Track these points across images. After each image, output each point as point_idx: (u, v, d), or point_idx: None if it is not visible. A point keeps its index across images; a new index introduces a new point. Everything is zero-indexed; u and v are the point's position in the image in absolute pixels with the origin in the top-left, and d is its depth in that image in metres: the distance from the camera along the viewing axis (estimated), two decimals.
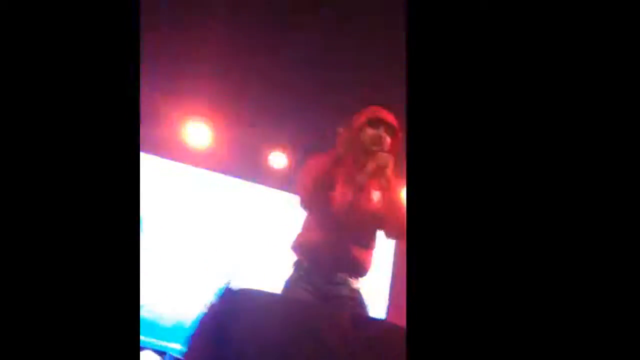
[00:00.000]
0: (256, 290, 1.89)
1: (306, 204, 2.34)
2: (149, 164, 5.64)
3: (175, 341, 4.55)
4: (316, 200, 2.30)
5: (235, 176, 5.87)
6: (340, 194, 2.35)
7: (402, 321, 1.27)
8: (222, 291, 1.73)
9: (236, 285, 1.81)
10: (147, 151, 5.61)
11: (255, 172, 5.78)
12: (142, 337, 4.01)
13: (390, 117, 2.42)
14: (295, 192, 2.50)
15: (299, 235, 2.40)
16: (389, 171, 2.26)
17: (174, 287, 4.97)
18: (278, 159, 5.74)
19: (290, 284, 2.33)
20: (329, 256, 2.32)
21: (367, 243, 2.40)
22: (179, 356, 4.14)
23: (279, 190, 5.79)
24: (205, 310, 1.72)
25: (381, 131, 2.37)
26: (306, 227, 2.40)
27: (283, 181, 5.64)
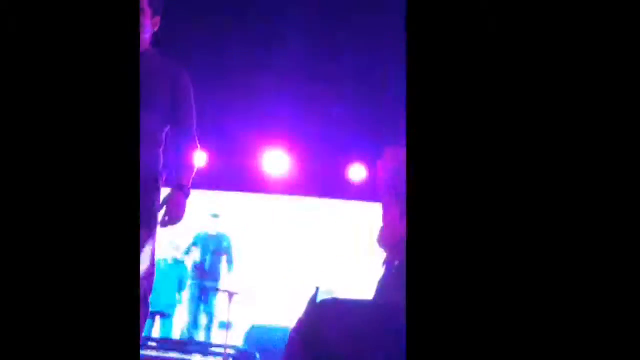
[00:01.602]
0: (344, 299, 1.96)
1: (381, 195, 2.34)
2: (237, 200, 5.90)
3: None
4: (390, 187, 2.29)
5: (317, 196, 6.02)
6: None
7: None
8: (311, 302, 1.82)
9: (325, 295, 1.89)
10: (232, 184, 5.86)
11: (336, 188, 5.89)
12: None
13: None
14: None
15: (383, 230, 2.34)
16: None
17: (274, 306, 5.15)
18: (357, 172, 5.83)
19: (382, 285, 2.32)
20: None
21: None
22: None
23: (361, 202, 5.86)
24: (297, 321, 1.81)
25: None
26: (388, 219, 2.33)
27: (364, 192, 5.71)
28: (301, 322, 1.77)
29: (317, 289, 1.87)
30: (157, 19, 2.28)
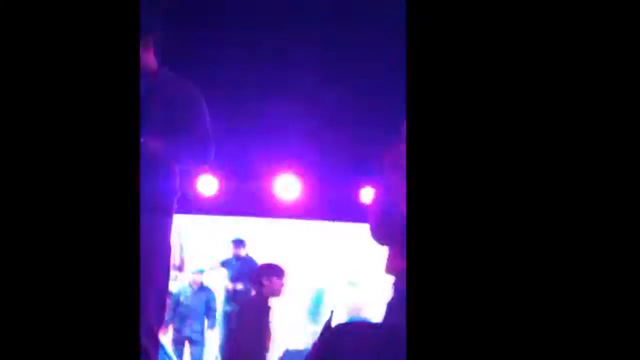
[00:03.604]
0: (357, 322, 2.00)
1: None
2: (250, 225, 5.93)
3: None
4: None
5: (329, 219, 6.07)
6: None
7: None
8: (326, 325, 1.86)
9: (339, 319, 1.93)
10: (243, 209, 5.92)
11: (348, 211, 5.93)
12: None
13: None
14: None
15: (389, 259, 2.38)
16: None
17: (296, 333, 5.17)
18: (369, 195, 5.88)
19: (391, 309, 2.34)
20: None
21: None
22: None
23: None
24: (313, 344, 1.85)
25: None
26: (392, 249, 2.37)
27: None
28: (317, 345, 1.81)
29: (332, 312, 1.91)
30: (150, 37, 2.13)
